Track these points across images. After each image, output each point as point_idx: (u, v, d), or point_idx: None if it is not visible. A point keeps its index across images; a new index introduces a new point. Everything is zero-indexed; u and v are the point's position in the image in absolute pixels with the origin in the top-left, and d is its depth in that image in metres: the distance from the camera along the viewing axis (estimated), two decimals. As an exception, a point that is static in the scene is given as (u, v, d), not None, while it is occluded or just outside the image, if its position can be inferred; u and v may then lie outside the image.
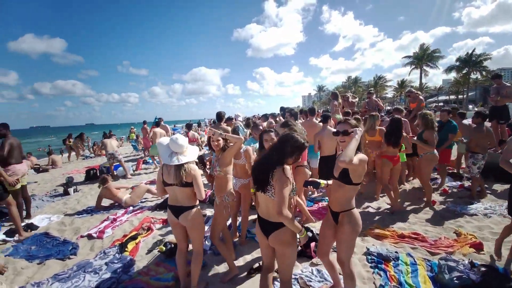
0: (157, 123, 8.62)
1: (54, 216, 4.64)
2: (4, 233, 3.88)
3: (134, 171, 8.08)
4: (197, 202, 2.36)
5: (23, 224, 4.08)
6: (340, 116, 6.10)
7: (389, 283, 2.38)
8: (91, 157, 12.78)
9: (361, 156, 1.81)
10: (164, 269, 2.81)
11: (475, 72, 34.05)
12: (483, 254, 2.81)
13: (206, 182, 4.69)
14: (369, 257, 2.78)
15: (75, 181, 7.17)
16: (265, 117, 7.31)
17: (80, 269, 2.88)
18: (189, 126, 9.60)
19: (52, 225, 4.27)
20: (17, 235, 3.77)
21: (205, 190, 2.40)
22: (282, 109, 8.22)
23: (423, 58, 36.46)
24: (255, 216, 3.69)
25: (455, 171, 5.84)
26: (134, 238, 3.50)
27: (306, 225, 3.46)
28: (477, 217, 3.67)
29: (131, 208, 4.74)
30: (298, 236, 1.77)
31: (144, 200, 5.15)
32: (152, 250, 3.21)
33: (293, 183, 1.76)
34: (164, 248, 3.05)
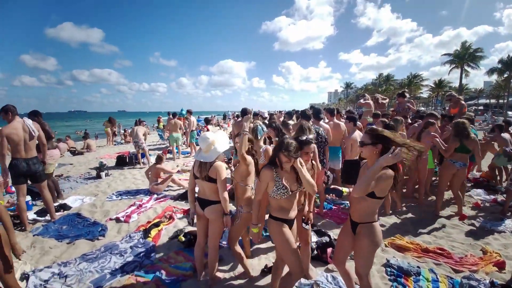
0: (173, 114, 9.19)
1: (86, 197, 5.01)
2: (35, 213, 4.10)
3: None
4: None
5: (56, 204, 4.39)
6: (370, 119, 5.86)
7: (408, 298, 2.30)
8: (121, 143, 13.58)
9: (386, 173, 1.70)
10: (183, 258, 2.95)
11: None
12: (504, 273, 2.66)
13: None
14: (389, 269, 2.69)
15: (106, 165, 7.69)
16: (289, 114, 7.16)
17: (107, 251, 3.09)
18: (207, 121, 9.68)
19: (84, 206, 4.59)
20: (48, 215, 3.97)
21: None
22: (311, 107, 8.00)
23: (465, 57, 33.37)
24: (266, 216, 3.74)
25: (490, 184, 5.39)
26: (157, 225, 3.70)
27: (323, 230, 3.41)
28: (504, 234, 3.45)
29: (155, 195, 5.01)
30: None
31: (167, 189, 5.41)
32: (173, 239, 3.38)
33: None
34: (183, 238, 3.20)
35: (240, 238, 2.76)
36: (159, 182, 5.25)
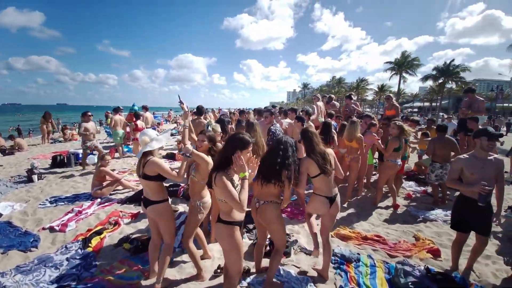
0: (115, 109, 8.44)
1: (17, 204, 4.38)
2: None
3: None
4: (165, 197, 2.40)
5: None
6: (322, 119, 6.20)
7: (349, 284, 2.51)
8: (60, 141, 12.04)
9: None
10: (128, 267, 2.74)
11: (450, 82, 35.92)
12: (440, 260, 2.96)
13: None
14: (333, 258, 2.89)
15: (40, 167, 6.72)
16: (259, 113, 7.08)
17: (41, 263, 2.80)
18: (137, 116, 8.15)
19: (15, 214, 4.05)
20: None
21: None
22: (273, 106, 8.15)
23: (403, 65, 37.91)
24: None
25: (420, 176, 6.20)
26: (99, 233, 3.38)
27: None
28: (436, 223, 3.92)
29: (98, 200, 4.55)
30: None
31: (113, 192, 4.96)
32: (118, 246, 3.12)
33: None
34: (129, 245, 2.98)
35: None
36: (103, 186, 4.77)
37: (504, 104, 30.29)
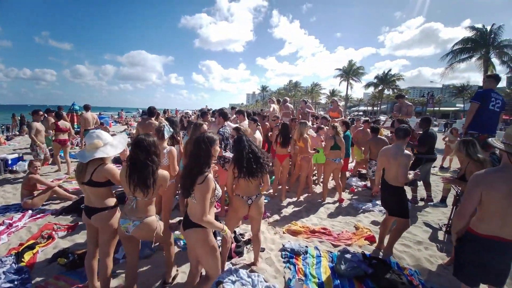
0: (46, 110, 7.46)
1: None
2: None
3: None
4: (115, 203, 2.23)
5: None
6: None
7: (296, 275, 2.67)
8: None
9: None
10: (64, 283, 2.48)
11: (388, 89, 40.85)
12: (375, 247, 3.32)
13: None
14: (283, 252, 3.05)
15: None
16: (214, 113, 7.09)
17: None
18: (58, 116, 6.64)
19: None
20: None
21: None
22: (233, 108, 8.28)
23: (350, 72, 41.83)
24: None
25: (363, 172, 6.91)
26: (31, 247, 2.99)
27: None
28: (374, 213, 4.41)
29: (30, 211, 3.99)
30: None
31: (47, 202, 4.39)
32: (52, 262, 2.79)
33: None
34: (65, 260, 2.68)
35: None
36: (33, 196, 4.20)
37: (435, 108, 35.48)
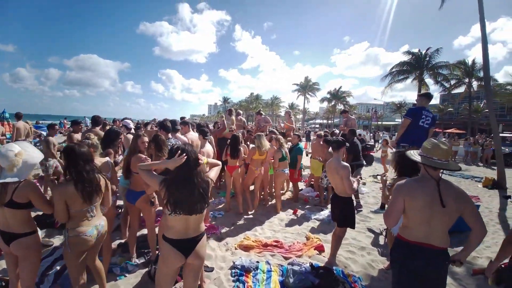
0: None
1: None
2: None
3: None
4: (34, 228, 1.97)
5: None
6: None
7: (245, 294, 2.55)
8: None
9: None
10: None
11: (340, 104, 44.53)
12: (324, 256, 3.32)
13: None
14: (233, 270, 2.91)
15: None
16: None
17: None
18: None
19: None
20: None
21: None
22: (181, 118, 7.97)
23: (306, 88, 44.76)
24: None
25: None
26: None
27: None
28: (323, 222, 4.54)
29: None
30: None
31: None
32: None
33: None
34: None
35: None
36: None
37: (379, 122, 39.76)
